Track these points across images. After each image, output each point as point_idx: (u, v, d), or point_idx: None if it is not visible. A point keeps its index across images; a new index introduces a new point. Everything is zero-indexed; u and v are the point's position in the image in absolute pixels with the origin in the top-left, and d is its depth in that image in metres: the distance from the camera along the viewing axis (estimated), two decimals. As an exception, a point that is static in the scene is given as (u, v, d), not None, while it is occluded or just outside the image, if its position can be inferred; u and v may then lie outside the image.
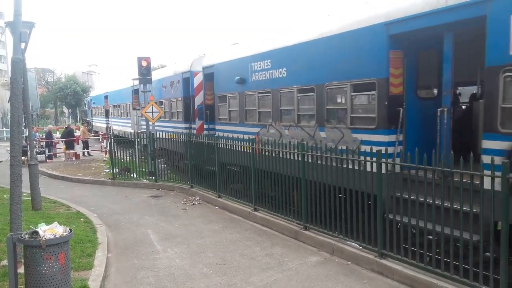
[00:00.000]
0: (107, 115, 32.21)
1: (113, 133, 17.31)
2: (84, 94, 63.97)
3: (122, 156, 16.18)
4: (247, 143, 9.91)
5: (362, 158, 6.94)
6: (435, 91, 7.96)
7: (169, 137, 14.18)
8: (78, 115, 60.84)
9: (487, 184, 5.10)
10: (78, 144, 25.46)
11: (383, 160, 6.54)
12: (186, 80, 16.10)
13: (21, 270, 5.48)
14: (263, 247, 7.84)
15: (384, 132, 7.48)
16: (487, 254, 5.49)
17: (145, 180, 15.02)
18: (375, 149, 6.65)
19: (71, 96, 66.35)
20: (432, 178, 5.92)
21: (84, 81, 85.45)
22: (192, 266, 7.03)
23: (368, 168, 6.67)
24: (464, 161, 5.32)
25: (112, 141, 16.00)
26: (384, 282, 6.09)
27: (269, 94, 10.71)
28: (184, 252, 7.74)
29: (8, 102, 6.53)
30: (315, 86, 9.04)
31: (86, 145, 25.62)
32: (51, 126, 36.87)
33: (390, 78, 7.36)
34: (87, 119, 42.33)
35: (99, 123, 36.31)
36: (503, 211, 4.88)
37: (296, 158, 8.31)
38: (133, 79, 17.51)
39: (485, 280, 5.18)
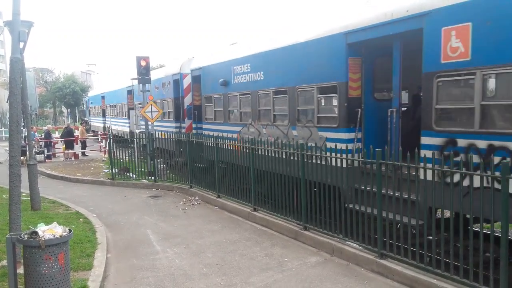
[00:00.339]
0: (104, 115, 32.85)
1: (112, 133, 17.30)
2: (83, 94, 63.96)
3: (121, 156, 16.16)
4: (247, 143, 9.91)
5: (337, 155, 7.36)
6: (392, 93, 8.40)
7: (168, 137, 14.14)
8: (77, 115, 60.89)
9: (429, 176, 5.85)
10: (77, 144, 25.45)
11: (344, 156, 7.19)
12: (176, 81, 16.71)
13: (20, 270, 5.46)
14: (262, 247, 7.83)
15: (344, 130, 8.31)
16: (487, 254, 5.49)
17: (144, 180, 14.99)
18: (339, 146, 7.27)
19: (70, 96, 66.31)
20: (385, 171, 6.55)
21: (83, 80, 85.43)
22: (192, 267, 7.02)
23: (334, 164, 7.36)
24: (410, 156, 5.91)
25: (111, 141, 15.98)
26: (384, 283, 6.08)
27: (249, 95, 11.42)
28: (184, 252, 7.73)
29: (7, 102, 6.52)
30: (288, 89, 9.83)
31: (83, 145, 25.64)
32: (50, 126, 36.80)
33: (349, 82, 8.17)
34: (85, 118, 42.43)
35: (96, 122, 37.01)
36: (503, 211, 4.88)
37: (296, 158, 8.36)
38: (132, 79, 17.59)
39: (485, 281, 5.18)
